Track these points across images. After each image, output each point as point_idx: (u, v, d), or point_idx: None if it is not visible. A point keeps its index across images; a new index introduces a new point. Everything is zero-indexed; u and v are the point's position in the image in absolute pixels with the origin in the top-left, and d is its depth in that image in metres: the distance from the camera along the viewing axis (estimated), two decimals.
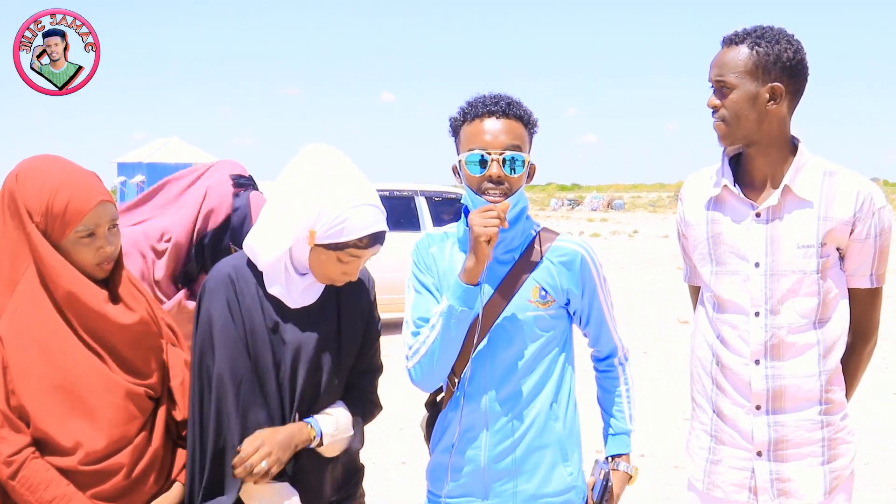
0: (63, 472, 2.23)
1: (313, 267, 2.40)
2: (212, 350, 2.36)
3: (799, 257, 2.50)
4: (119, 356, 2.31)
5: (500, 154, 2.40)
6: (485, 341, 2.45)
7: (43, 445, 2.24)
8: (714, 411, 2.62)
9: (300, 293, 2.42)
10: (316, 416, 2.42)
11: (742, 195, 2.57)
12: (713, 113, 2.57)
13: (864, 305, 2.60)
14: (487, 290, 2.46)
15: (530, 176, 2.50)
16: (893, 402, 7.60)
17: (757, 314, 2.53)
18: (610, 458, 2.59)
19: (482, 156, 2.40)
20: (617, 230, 31.84)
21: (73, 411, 2.24)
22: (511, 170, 2.41)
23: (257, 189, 3.04)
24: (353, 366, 2.52)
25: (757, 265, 2.53)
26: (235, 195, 2.97)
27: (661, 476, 5.78)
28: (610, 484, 2.53)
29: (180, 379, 2.43)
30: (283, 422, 2.40)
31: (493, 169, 2.39)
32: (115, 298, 2.34)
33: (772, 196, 2.53)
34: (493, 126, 2.42)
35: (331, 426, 2.41)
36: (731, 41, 2.54)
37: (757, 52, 2.50)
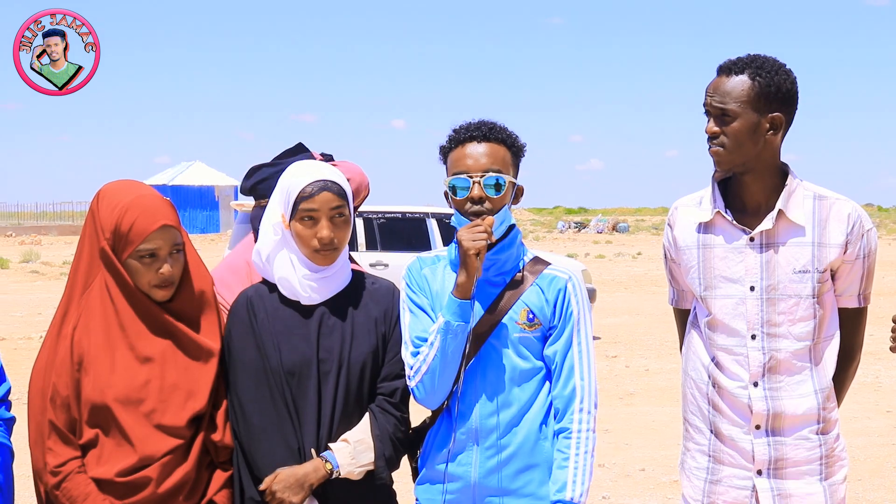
0: (99, 481, 2.38)
1: (301, 248, 2.55)
2: (230, 369, 2.54)
3: (795, 282, 2.54)
4: (169, 374, 2.44)
5: (481, 176, 2.52)
6: (474, 360, 2.53)
7: (84, 451, 2.40)
8: (712, 432, 2.64)
9: (314, 283, 2.55)
10: (333, 447, 2.48)
11: (734, 221, 2.60)
12: (711, 139, 2.58)
13: (850, 325, 2.65)
14: (479, 310, 2.53)
15: (517, 198, 2.61)
16: (886, 420, 7.76)
17: (754, 336, 2.56)
18: None
19: (464, 179, 2.53)
20: (621, 252, 31.93)
21: (117, 423, 2.39)
22: (492, 191, 2.52)
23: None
24: (375, 374, 2.60)
25: (752, 289, 2.56)
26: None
27: (661, 490, 5.96)
28: None
29: (224, 406, 2.54)
30: (296, 429, 2.50)
31: (475, 191, 2.51)
32: (176, 318, 2.47)
33: (765, 221, 2.56)
34: (474, 150, 2.54)
35: (346, 456, 2.47)
36: (731, 70, 2.56)
37: (759, 82, 2.53)
